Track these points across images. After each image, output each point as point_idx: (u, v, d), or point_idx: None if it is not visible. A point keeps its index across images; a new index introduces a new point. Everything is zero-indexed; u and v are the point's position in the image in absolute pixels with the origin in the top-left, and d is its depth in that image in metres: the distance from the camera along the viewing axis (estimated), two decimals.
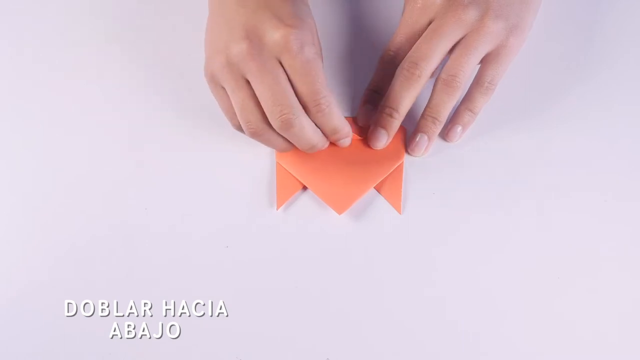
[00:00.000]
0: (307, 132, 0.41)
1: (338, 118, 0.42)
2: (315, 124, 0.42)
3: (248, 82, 0.41)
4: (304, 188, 0.45)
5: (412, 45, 0.44)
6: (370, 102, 0.46)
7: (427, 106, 0.44)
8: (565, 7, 0.51)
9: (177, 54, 0.50)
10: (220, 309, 0.42)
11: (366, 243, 0.43)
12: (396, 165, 0.45)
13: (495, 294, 0.42)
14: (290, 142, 0.43)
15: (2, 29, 0.51)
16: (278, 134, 0.42)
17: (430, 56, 0.43)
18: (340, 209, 0.44)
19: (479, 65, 0.44)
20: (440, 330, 0.41)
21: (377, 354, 0.41)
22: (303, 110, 0.41)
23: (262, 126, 0.41)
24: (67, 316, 0.42)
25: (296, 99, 0.41)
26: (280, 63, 0.40)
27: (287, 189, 0.45)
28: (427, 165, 0.46)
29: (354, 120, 0.47)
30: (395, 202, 0.44)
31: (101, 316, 0.42)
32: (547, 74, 0.49)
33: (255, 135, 0.42)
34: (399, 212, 0.44)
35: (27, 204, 0.45)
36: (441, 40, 0.43)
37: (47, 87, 0.49)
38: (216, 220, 0.44)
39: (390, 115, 0.44)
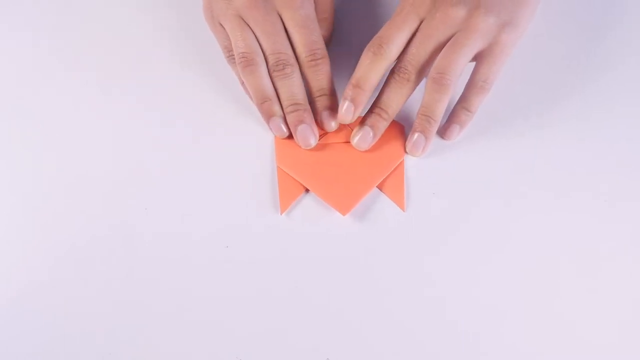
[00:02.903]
0: (296, 82, 0.44)
1: (328, 76, 0.45)
2: (306, 80, 0.45)
3: (248, 25, 0.44)
4: (307, 191, 0.45)
5: (398, 39, 0.43)
6: (352, 99, 0.44)
7: (421, 105, 0.44)
8: (566, 7, 0.51)
9: (178, 54, 0.50)
10: (221, 309, 0.42)
11: (369, 243, 0.43)
12: (397, 163, 0.45)
13: (495, 294, 0.42)
14: (273, 92, 0.44)
15: (2, 29, 0.52)
16: (267, 73, 0.44)
17: (420, 60, 0.43)
18: (344, 210, 0.44)
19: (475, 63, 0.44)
20: (440, 330, 0.41)
21: (377, 354, 0.41)
22: (297, 65, 0.44)
23: (257, 59, 0.44)
24: (67, 316, 0.42)
25: (293, 53, 0.44)
26: (280, 18, 0.44)
27: (290, 193, 0.45)
28: (427, 166, 0.46)
29: None
30: (399, 199, 0.44)
31: (101, 316, 0.42)
32: (548, 74, 0.49)
33: (247, 65, 0.44)
34: (403, 209, 0.44)
35: (27, 204, 0.45)
36: (431, 43, 0.43)
37: (47, 87, 0.49)
38: (216, 220, 0.44)
39: (379, 115, 0.44)
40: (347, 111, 0.43)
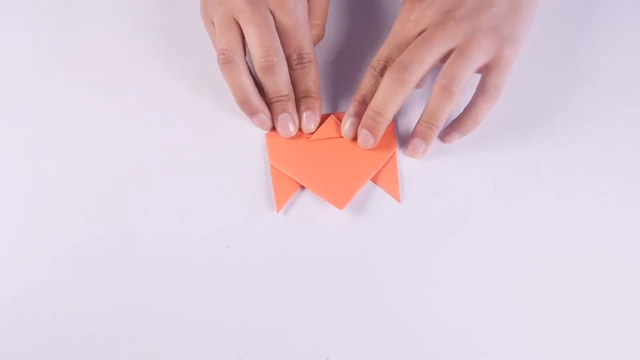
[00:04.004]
0: (282, 79, 0.44)
1: (315, 79, 0.45)
2: (292, 81, 0.45)
3: (239, 25, 0.44)
4: (302, 188, 0.45)
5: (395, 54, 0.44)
6: (356, 115, 0.45)
7: (424, 111, 0.44)
8: (564, 6, 0.51)
9: (178, 54, 0.50)
10: (221, 309, 0.42)
11: (370, 244, 0.43)
12: (389, 155, 0.45)
13: (495, 294, 0.42)
14: (253, 89, 0.44)
15: (2, 29, 0.52)
16: (248, 71, 0.44)
17: (420, 61, 0.42)
18: (340, 204, 0.44)
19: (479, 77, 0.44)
20: (441, 330, 0.41)
21: (377, 354, 0.41)
22: (285, 60, 0.44)
23: (236, 57, 0.43)
24: (67, 316, 0.42)
25: (282, 48, 0.43)
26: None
27: (284, 191, 0.45)
28: (427, 166, 0.46)
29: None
30: (393, 191, 0.44)
31: (101, 316, 0.42)
32: (546, 74, 0.49)
33: (225, 62, 0.43)
34: (398, 200, 0.44)
35: (27, 204, 0.45)
36: (432, 48, 0.42)
37: (47, 87, 0.49)
38: (216, 220, 0.44)
39: (374, 119, 0.44)
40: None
